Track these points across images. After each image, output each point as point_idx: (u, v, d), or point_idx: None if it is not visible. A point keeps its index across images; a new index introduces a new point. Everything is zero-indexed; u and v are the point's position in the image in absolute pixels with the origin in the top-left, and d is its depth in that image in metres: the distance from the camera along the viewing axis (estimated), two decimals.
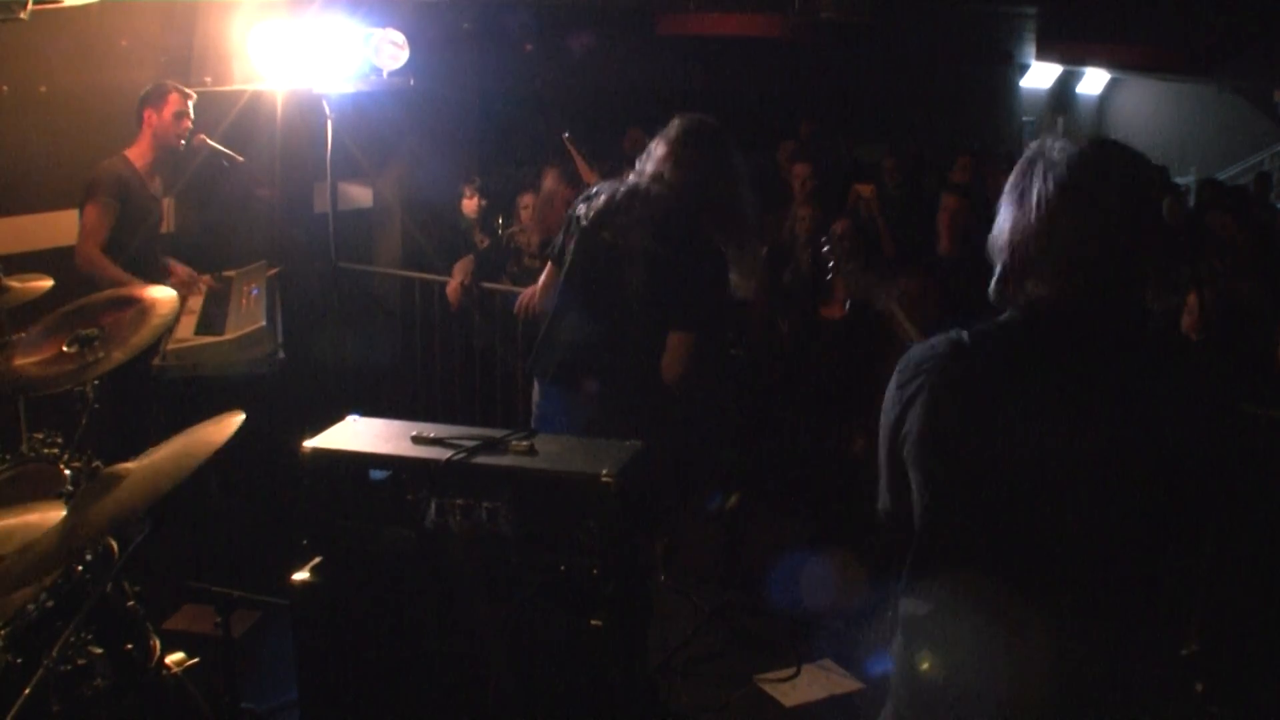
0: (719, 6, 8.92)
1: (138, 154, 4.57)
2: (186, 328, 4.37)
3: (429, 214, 6.44)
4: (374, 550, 2.71)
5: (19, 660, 2.36)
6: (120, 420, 4.30)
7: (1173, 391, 1.72)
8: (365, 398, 4.98)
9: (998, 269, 1.77)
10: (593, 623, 2.58)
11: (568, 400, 3.43)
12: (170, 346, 4.17)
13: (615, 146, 6.81)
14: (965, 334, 1.78)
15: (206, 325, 4.39)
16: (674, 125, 3.41)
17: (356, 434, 2.89)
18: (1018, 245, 1.73)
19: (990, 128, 14.40)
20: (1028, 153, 1.79)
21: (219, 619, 2.86)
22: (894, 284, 2.33)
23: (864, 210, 6.88)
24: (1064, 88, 17.10)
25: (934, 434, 1.74)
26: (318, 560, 2.78)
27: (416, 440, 2.78)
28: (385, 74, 4.79)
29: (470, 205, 6.25)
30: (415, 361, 5.72)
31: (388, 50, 4.74)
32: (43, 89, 4.74)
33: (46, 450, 3.33)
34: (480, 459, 2.69)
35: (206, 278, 4.89)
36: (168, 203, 4.97)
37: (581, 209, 3.47)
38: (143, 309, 3.27)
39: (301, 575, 2.76)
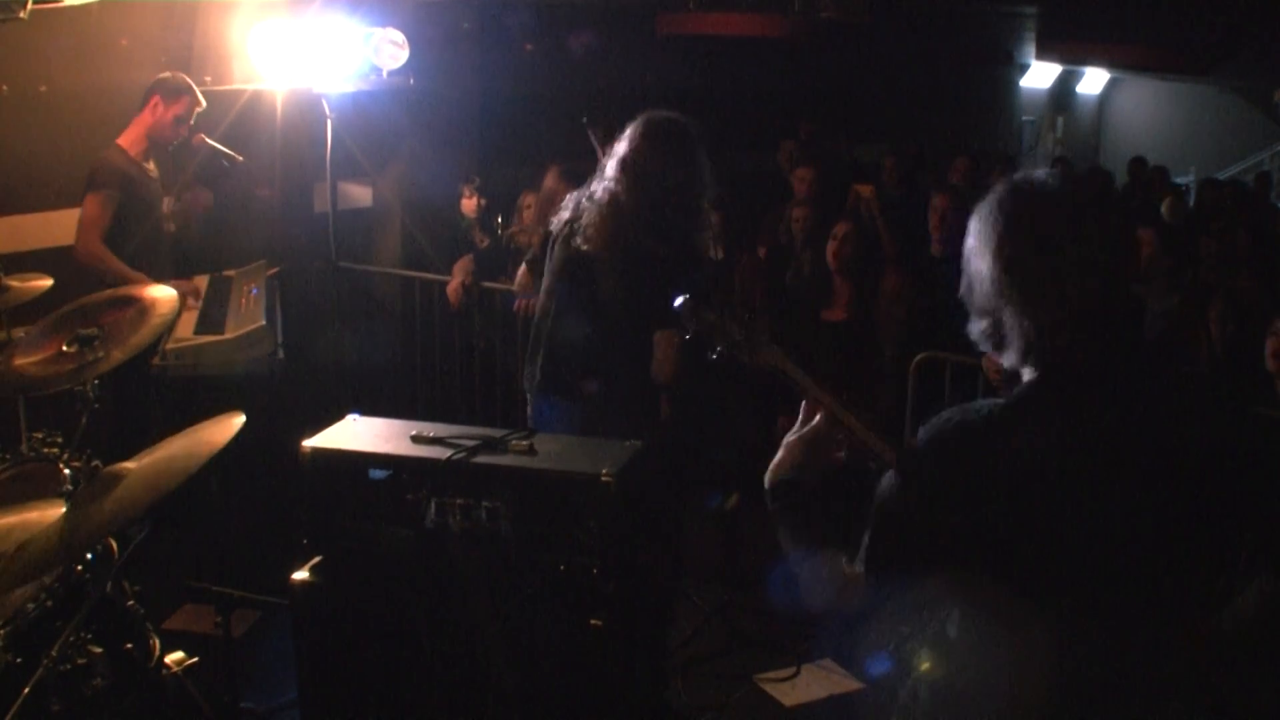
0: (719, 6, 8.91)
1: (130, 140, 4.52)
2: (186, 327, 4.37)
3: (429, 214, 6.43)
4: (374, 550, 2.71)
5: (19, 660, 2.36)
6: (120, 420, 4.29)
7: (1188, 403, 1.73)
8: (365, 397, 4.99)
9: (985, 325, 1.71)
10: (593, 623, 2.58)
11: (559, 409, 3.44)
12: (170, 346, 4.17)
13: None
14: (999, 404, 1.70)
15: (206, 324, 4.38)
16: (634, 124, 3.41)
17: (356, 434, 2.89)
18: (1016, 303, 1.66)
19: (990, 128, 14.39)
20: (989, 204, 1.71)
21: (219, 619, 2.86)
22: (774, 338, 2.05)
23: (864, 210, 6.88)
24: (1064, 88, 17.08)
25: (954, 497, 1.67)
26: (318, 560, 2.79)
27: (416, 440, 2.79)
28: (385, 73, 4.79)
29: (470, 205, 6.24)
30: (415, 361, 5.72)
31: (388, 50, 4.74)
32: (43, 89, 4.73)
33: (46, 450, 3.33)
34: (480, 459, 2.69)
35: (199, 279, 4.86)
36: (167, 202, 4.96)
37: (554, 222, 3.50)
38: (143, 309, 3.27)
39: (301, 575, 2.76)
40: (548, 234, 3.58)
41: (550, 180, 5.25)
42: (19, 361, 3.19)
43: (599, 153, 4.56)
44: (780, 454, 1.89)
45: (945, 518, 1.66)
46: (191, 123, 4.57)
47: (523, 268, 3.75)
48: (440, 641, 2.69)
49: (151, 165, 4.64)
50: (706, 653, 4.06)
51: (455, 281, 5.32)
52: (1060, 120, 17.32)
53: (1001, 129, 15.10)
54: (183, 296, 4.66)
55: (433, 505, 2.67)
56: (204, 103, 4.58)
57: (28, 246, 4.54)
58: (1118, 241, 1.68)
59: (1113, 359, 1.69)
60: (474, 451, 2.70)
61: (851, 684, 3.87)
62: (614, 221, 3.31)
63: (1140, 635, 1.74)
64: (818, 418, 1.87)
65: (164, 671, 2.65)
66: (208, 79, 5.17)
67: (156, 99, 4.49)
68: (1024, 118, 16.20)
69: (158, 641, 2.66)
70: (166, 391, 4.26)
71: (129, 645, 2.55)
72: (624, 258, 3.29)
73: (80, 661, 2.41)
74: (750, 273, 5.56)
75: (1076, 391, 1.67)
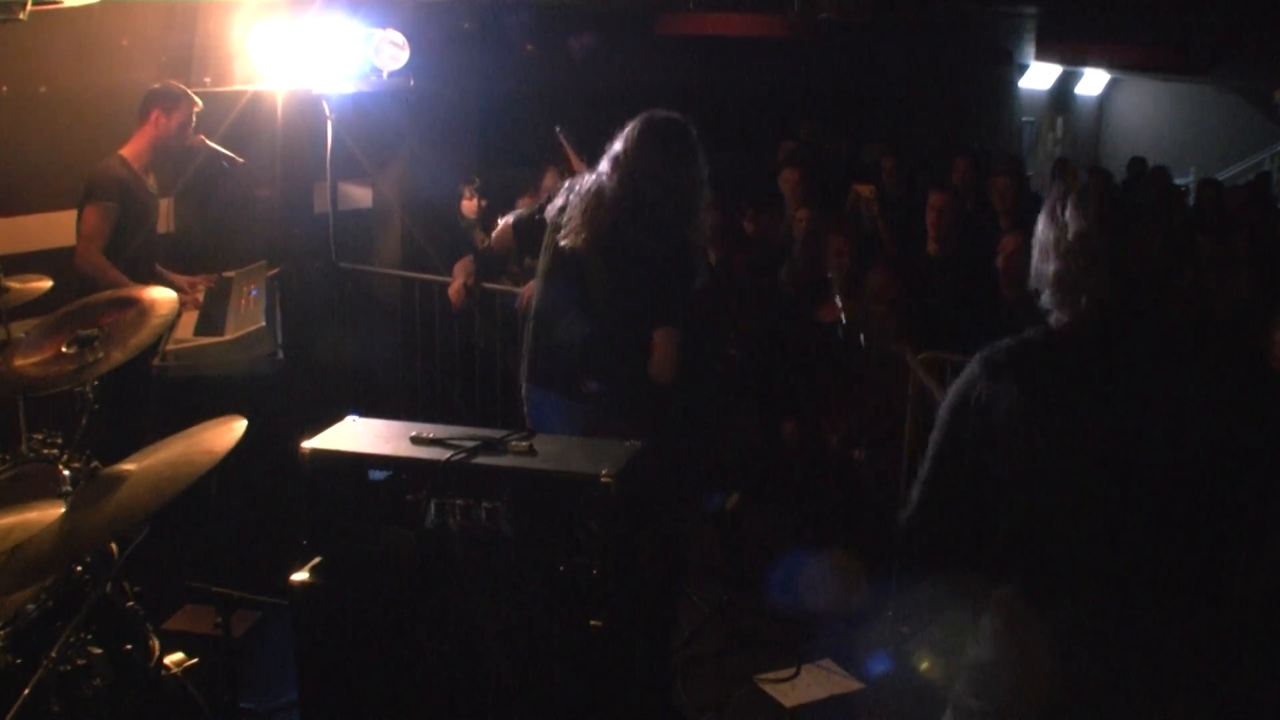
0: (719, 6, 8.91)
1: (134, 152, 4.53)
2: (186, 328, 4.37)
3: (429, 214, 6.43)
4: (374, 550, 2.71)
5: (19, 660, 2.36)
6: (120, 420, 4.29)
7: (1207, 388, 1.83)
8: (365, 398, 4.99)
9: (1048, 282, 1.94)
10: (592, 623, 2.58)
11: (560, 408, 3.43)
12: (170, 346, 4.17)
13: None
14: (1045, 329, 1.93)
15: (206, 325, 4.38)
16: (631, 123, 3.39)
17: (356, 434, 2.89)
18: (1068, 264, 1.90)
19: (990, 128, 14.39)
20: (1059, 189, 1.98)
21: (219, 619, 2.86)
22: (905, 333, 2.50)
23: (864, 210, 6.88)
24: (1064, 88, 17.09)
25: (1035, 413, 1.83)
26: (318, 560, 2.78)
27: (416, 440, 2.79)
28: (385, 74, 4.79)
29: (470, 206, 6.25)
30: (415, 361, 5.72)
31: (388, 50, 4.74)
32: (43, 89, 4.73)
33: (46, 450, 3.33)
34: (480, 459, 2.69)
35: (204, 278, 4.88)
36: (167, 203, 4.96)
37: (549, 210, 3.48)
38: (142, 309, 3.27)
39: (301, 575, 2.76)
40: (543, 217, 3.52)
41: (549, 180, 5.26)
42: (19, 362, 3.19)
43: (571, 159, 4.54)
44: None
45: (1008, 404, 1.85)
46: (194, 123, 4.58)
47: (507, 220, 3.72)
48: (440, 641, 2.69)
49: (151, 179, 4.66)
50: (706, 653, 4.06)
51: (457, 282, 5.31)
52: (1060, 120, 17.33)
53: (1001, 129, 15.10)
54: (186, 293, 4.70)
55: (433, 506, 2.67)
56: (200, 103, 4.58)
57: (28, 247, 4.54)
58: (1175, 239, 1.92)
59: (1142, 331, 1.86)
60: (474, 452, 2.70)
61: (851, 684, 3.87)
62: (596, 214, 3.28)
63: (1141, 628, 1.75)
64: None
65: (164, 672, 2.65)
66: (208, 80, 5.17)
67: (156, 113, 4.51)
68: (1024, 118, 16.21)
69: (158, 642, 2.66)
70: (166, 392, 4.26)
71: (129, 646, 2.55)
72: (612, 255, 3.27)
73: (80, 662, 2.41)
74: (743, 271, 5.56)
75: (1108, 335, 1.87)
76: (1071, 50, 13.44)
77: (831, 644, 4.06)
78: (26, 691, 2.20)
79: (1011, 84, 15.43)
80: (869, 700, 3.79)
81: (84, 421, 3.38)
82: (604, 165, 3.37)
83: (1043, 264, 1.94)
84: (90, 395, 3.37)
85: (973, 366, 1.92)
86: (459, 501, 2.65)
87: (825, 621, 4.16)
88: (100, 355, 3.11)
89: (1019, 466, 1.80)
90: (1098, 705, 1.76)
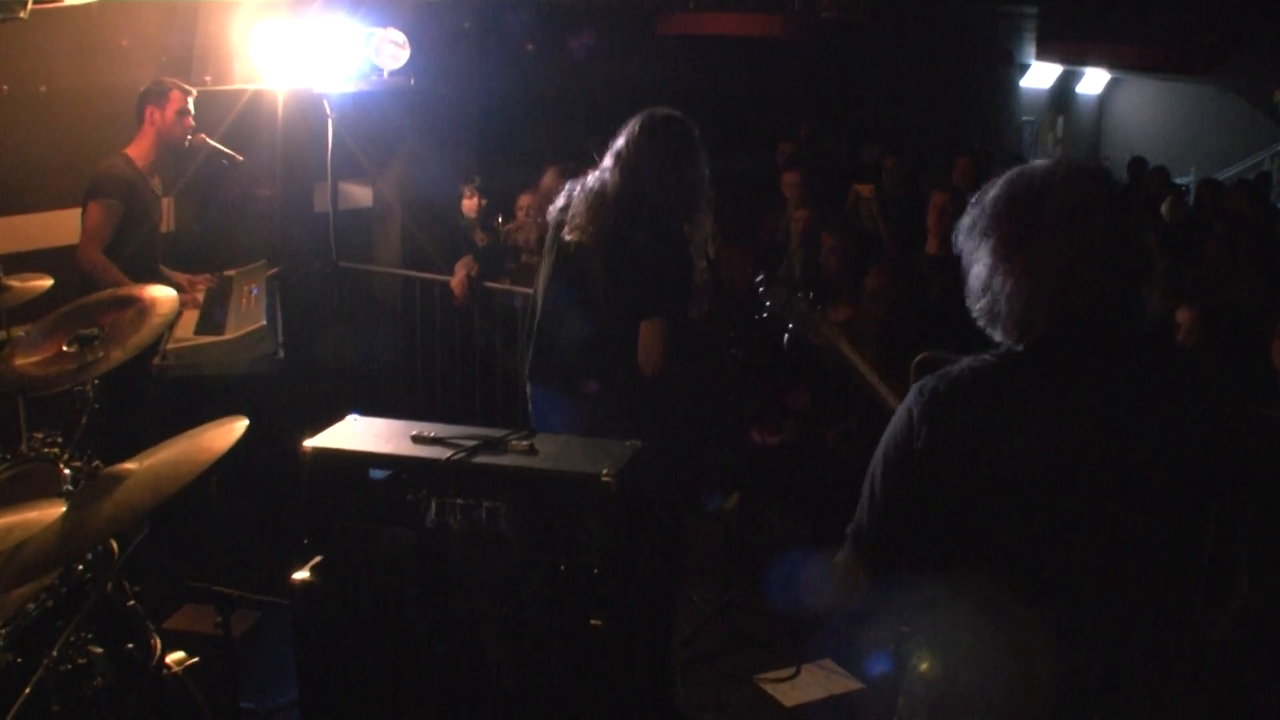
0: (719, 6, 8.92)
1: (139, 152, 4.55)
2: (186, 327, 4.37)
3: (429, 213, 6.43)
4: (374, 550, 2.71)
5: (19, 660, 2.36)
6: (120, 420, 4.29)
7: (1178, 392, 1.76)
8: (365, 398, 4.98)
9: (984, 309, 1.79)
10: (593, 623, 2.58)
11: (561, 407, 3.43)
12: (170, 346, 4.17)
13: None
14: (980, 360, 1.79)
15: (206, 325, 4.38)
16: (632, 121, 3.39)
17: (356, 434, 2.89)
18: (1011, 290, 1.74)
19: (990, 128, 14.39)
20: (997, 189, 1.79)
21: (219, 619, 2.85)
22: (833, 321, 2.31)
23: (864, 210, 6.89)
24: (1064, 88, 17.09)
25: (957, 446, 1.74)
26: (318, 560, 2.78)
27: (416, 440, 2.79)
28: (386, 74, 4.79)
29: (470, 205, 6.25)
30: (415, 361, 5.72)
31: (388, 50, 4.74)
32: (43, 89, 4.73)
33: (46, 450, 3.33)
34: (480, 459, 2.69)
35: (205, 277, 4.89)
36: (167, 202, 4.96)
37: (549, 211, 3.49)
38: (142, 309, 3.27)
39: (301, 575, 2.76)
40: (545, 226, 3.55)
41: (549, 179, 5.25)
42: (19, 361, 3.19)
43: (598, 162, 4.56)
44: None
45: (938, 439, 1.75)
46: (192, 111, 4.58)
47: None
48: (440, 641, 2.69)
49: (156, 180, 4.67)
50: (706, 653, 4.06)
51: (460, 274, 5.32)
52: (1060, 120, 17.33)
53: (1001, 129, 15.11)
54: (187, 292, 4.70)
55: (433, 505, 2.67)
56: (193, 90, 4.59)
57: (28, 246, 4.54)
58: (1121, 237, 1.74)
59: (1103, 345, 1.75)
60: (474, 451, 2.70)
61: (851, 684, 3.87)
62: (599, 210, 3.29)
63: (1133, 630, 1.75)
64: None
65: (164, 671, 2.65)
66: (208, 79, 5.17)
67: (150, 109, 4.53)
68: (1024, 118, 16.22)
69: (158, 641, 2.66)
70: (166, 392, 4.26)
71: (129, 645, 2.55)
72: (613, 253, 3.27)
73: (80, 661, 2.41)
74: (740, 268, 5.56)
75: (1061, 355, 1.74)
76: (1072, 50, 13.45)
77: (831, 644, 4.06)
78: (27, 691, 2.20)
79: (1011, 84, 15.44)
80: (869, 700, 3.79)
81: (84, 421, 3.38)
82: (606, 163, 3.37)
83: (984, 291, 1.79)
84: (91, 395, 3.37)
85: (909, 408, 1.80)
86: (459, 501, 2.65)
87: (825, 621, 4.16)
88: (100, 354, 3.11)
89: (1005, 479, 1.73)
90: (1091, 709, 1.76)
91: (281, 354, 4.37)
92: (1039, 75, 15.64)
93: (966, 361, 1.81)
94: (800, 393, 5.00)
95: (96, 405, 3.40)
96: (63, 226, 4.57)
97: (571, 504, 2.61)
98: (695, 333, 3.97)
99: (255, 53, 4.76)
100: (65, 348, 3.17)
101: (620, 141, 3.37)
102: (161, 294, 3.38)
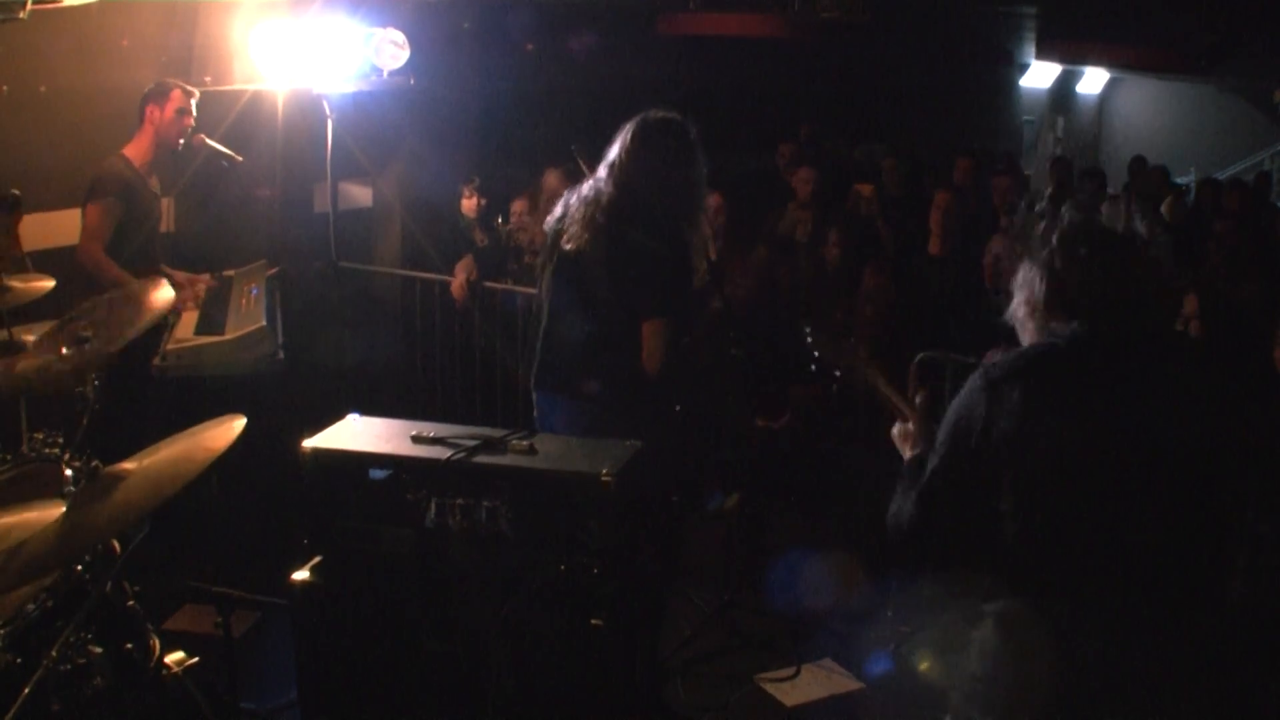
0: (719, 6, 8.92)
1: (137, 152, 4.56)
2: (186, 328, 4.37)
3: (429, 214, 6.43)
4: (374, 550, 2.71)
5: (19, 660, 2.35)
6: (120, 420, 4.28)
7: (1200, 394, 1.84)
8: (365, 398, 4.98)
9: (1025, 309, 1.97)
10: (593, 623, 2.58)
11: (561, 408, 3.44)
12: (170, 346, 4.17)
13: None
14: (1050, 343, 1.92)
15: (206, 325, 4.38)
16: (628, 125, 3.40)
17: (356, 434, 2.89)
18: (1053, 292, 1.91)
19: (990, 128, 14.38)
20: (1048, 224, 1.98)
21: (219, 619, 2.85)
22: (874, 361, 2.47)
23: (864, 210, 6.89)
24: (1064, 87, 17.08)
25: (1040, 423, 1.83)
26: (318, 560, 2.79)
27: (416, 440, 2.79)
28: (385, 74, 4.79)
29: (469, 205, 6.25)
30: (415, 361, 5.72)
31: (388, 50, 4.74)
32: (43, 89, 4.73)
33: (47, 450, 3.33)
34: (480, 459, 2.69)
35: (205, 277, 4.88)
36: (167, 203, 4.96)
37: (548, 221, 3.50)
38: (136, 302, 3.27)
39: (301, 575, 2.76)
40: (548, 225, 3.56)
41: (552, 180, 5.25)
42: (21, 367, 3.19)
43: (587, 175, 4.58)
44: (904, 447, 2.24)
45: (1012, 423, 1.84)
46: (193, 112, 4.58)
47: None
48: (440, 641, 2.69)
49: (154, 180, 4.67)
50: (706, 653, 4.06)
51: (460, 278, 5.32)
52: (1060, 120, 17.32)
53: (1001, 129, 15.09)
54: (187, 289, 4.70)
55: (433, 505, 2.67)
56: (195, 91, 4.60)
57: (28, 247, 4.52)
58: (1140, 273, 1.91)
59: (1136, 343, 1.86)
60: (474, 451, 2.70)
61: (851, 684, 3.87)
62: (597, 217, 3.30)
63: (1152, 625, 1.76)
64: (911, 422, 2.24)
65: (164, 672, 2.65)
66: (208, 79, 5.17)
67: (150, 108, 4.55)
68: (1024, 118, 16.21)
69: (158, 642, 2.66)
70: (166, 392, 4.26)
71: (129, 645, 2.55)
72: (612, 256, 3.27)
73: (80, 662, 2.40)
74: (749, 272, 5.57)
75: (1101, 354, 1.86)
76: (1071, 50, 13.45)
77: (831, 644, 4.06)
78: (27, 691, 2.20)
79: (1011, 84, 15.43)
80: (869, 700, 3.79)
81: (84, 421, 3.37)
82: (602, 169, 3.38)
83: (1029, 288, 1.96)
84: (91, 395, 3.37)
85: (974, 383, 1.92)
86: (459, 501, 2.65)
87: (825, 621, 4.16)
88: (96, 351, 3.11)
89: (1025, 476, 1.80)
90: (1099, 709, 1.76)
91: (281, 354, 4.37)
92: (1039, 75, 15.63)
93: (1015, 353, 1.96)
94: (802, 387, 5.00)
95: (97, 406, 3.39)
96: (63, 226, 4.56)
97: (571, 504, 2.61)
98: (698, 332, 3.98)
99: (255, 53, 4.76)
100: (65, 350, 3.17)
101: (615, 148, 3.38)
102: (155, 287, 3.38)
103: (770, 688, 3.84)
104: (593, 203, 3.33)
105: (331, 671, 2.78)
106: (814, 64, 10.19)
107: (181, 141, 4.60)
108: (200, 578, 3.65)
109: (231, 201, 5.38)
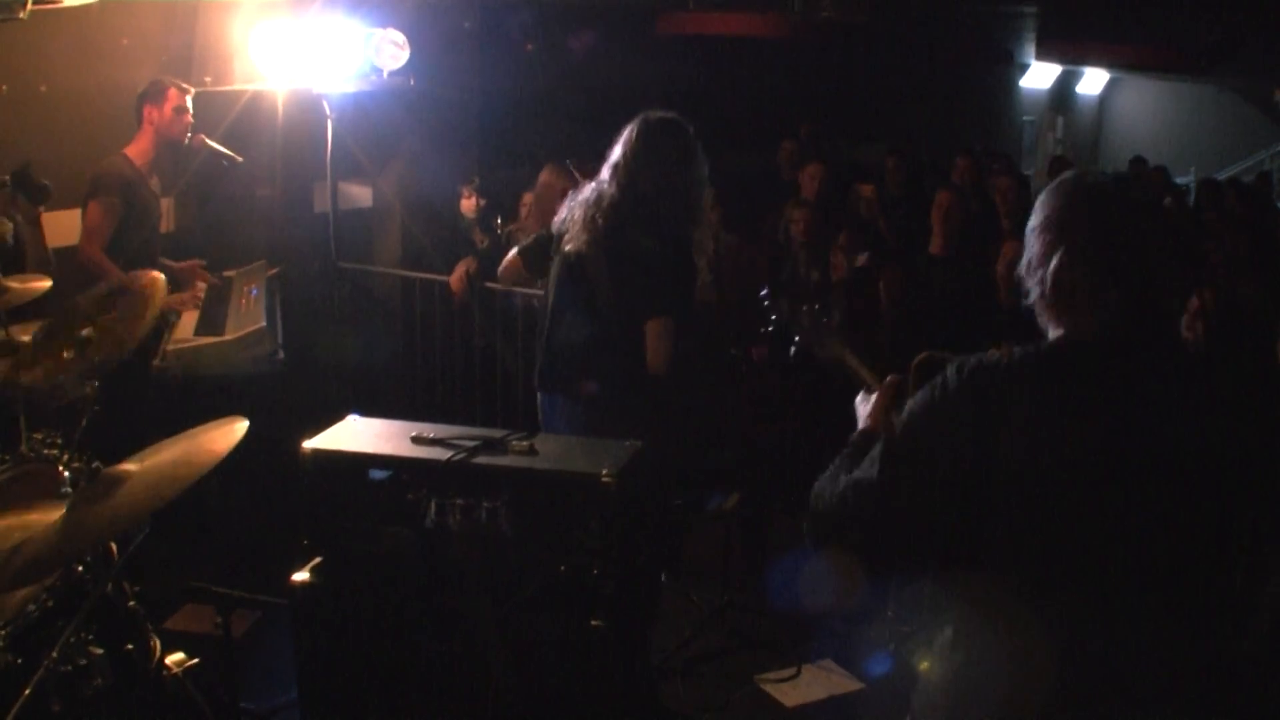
0: (719, 6, 8.91)
1: (138, 152, 4.57)
2: (186, 328, 4.37)
3: (429, 214, 6.43)
4: (374, 550, 2.71)
5: (19, 660, 2.35)
6: (120, 420, 4.28)
7: (1203, 396, 1.81)
8: (365, 398, 4.98)
9: (1034, 297, 1.88)
10: (593, 623, 2.58)
11: (561, 408, 3.45)
12: (170, 347, 4.18)
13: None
14: (1032, 347, 1.84)
15: (207, 325, 4.39)
16: (628, 126, 3.42)
17: (356, 434, 2.89)
18: (1061, 282, 1.82)
19: (990, 128, 14.39)
20: (1054, 194, 1.88)
21: (219, 619, 2.86)
22: (841, 332, 2.35)
23: (864, 210, 6.88)
24: (1064, 88, 17.09)
25: (1045, 439, 1.76)
26: (318, 560, 2.79)
27: (416, 440, 2.79)
28: (385, 74, 4.79)
29: (469, 205, 6.25)
30: (415, 361, 5.72)
31: (388, 50, 4.74)
32: (43, 89, 4.73)
33: (47, 451, 3.33)
34: (480, 459, 2.69)
35: (195, 262, 4.88)
36: (167, 203, 4.96)
37: (554, 223, 3.52)
38: (134, 299, 3.27)
39: (301, 575, 2.76)
40: (548, 233, 3.58)
41: (545, 175, 5.25)
42: (24, 375, 3.19)
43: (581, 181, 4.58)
44: (865, 419, 2.20)
45: (959, 440, 1.78)
46: (190, 109, 4.58)
47: (512, 253, 3.76)
48: (440, 641, 2.69)
49: (155, 180, 4.67)
50: (706, 653, 4.06)
51: (460, 271, 5.32)
52: (1060, 120, 17.33)
53: (1001, 129, 15.10)
54: (187, 279, 4.69)
55: (433, 506, 2.67)
56: (190, 88, 4.60)
57: None
58: (1169, 246, 1.85)
59: (1135, 345, 1.80)
60: (474, 452, 2.70)
61: (852, 684, 3.87)
62: (596, 217, 3.31)
63: (1142, 630, 1.75)
64: (875, 395, 2.17)
65: (164, 672, 2.65)
66: (208, 79, 5.17)
67: (148, 108, 4.55)
68: (1024, 118, 16.21)
69: (158, 642, 2.66)
70: (166, 392, 4.26)
71: (129, 646, 2.55)
72: (614, 256, 3.29)
73: (81, 662, 2.40)
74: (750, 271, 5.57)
75: (1098, 354, 1.79)
76: (1071, 50, 13.44)
77: (831, 644, 4.06)
78: (27, 691, 2.20)
79: (1011, 84, 15.43)
80: (869, 700, 3.79)
81: (84, 421, 3.37)
82: (604, 171, 3.40)
83: (1033, 277, 1.87)
84: (91, 395, 3.36)
85: (951, 380, 1.83)
86: (459, 501, 2.65)
87: (825, 621, 4.16)
88: (100, 357, 3.11)
89: (1030, 480, 1.75)
90: (1103, 708, 1.76)
91: (281, 354, 4.38)
92: (1039, 75, 15.63)
93: (1006, 357, 1.86)
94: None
95: (97, 406, 3.39)
96: (63, 226, 4.56)
97: (571, 504, 2.61)
98: (698, 331, 3.98)
99: (255, 53, 4.76)
100: (66, 353, 3.17)
101: (617, 149, 3.39)
102: (153, 283, 3.38)
103: (770, 688, 3.84)
104: (594, 204, 3.35)
105: (331, 671, 2.78)
106: (814, 64, 10.18)
107: (186, 139, 4.61)
108: (200, 578, 3.65)
109: (231, 201, 5.38)
